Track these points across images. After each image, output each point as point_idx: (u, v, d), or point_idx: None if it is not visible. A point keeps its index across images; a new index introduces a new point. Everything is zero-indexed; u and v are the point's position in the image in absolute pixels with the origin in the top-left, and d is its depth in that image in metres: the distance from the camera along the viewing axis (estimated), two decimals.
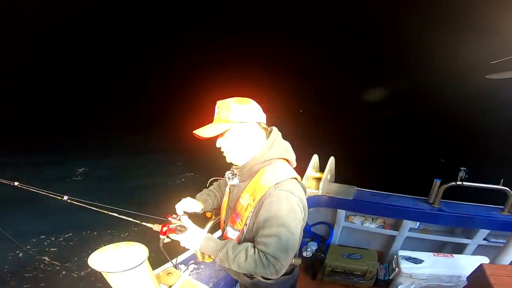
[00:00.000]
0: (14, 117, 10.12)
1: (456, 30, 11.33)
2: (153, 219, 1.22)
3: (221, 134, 1.20)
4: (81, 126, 10.14)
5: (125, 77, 13.54)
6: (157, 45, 15.52)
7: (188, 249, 1.24)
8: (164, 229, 1.16)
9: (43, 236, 4.43)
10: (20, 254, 4.15)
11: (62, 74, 13.35)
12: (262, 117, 1.25)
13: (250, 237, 1.22)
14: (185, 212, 1.31)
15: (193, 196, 1.47)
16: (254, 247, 1.16)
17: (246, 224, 1.22)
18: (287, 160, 1.29)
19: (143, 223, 1.21)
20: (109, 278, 1.19)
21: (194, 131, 1.17)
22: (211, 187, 1.57)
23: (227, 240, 1.23)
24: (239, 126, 1.19)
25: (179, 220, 1.19)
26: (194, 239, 1.18)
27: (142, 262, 1.21)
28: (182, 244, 1.19)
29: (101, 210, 1.24)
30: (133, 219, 1.24)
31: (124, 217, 1.26)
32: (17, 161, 7.13)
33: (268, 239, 1.12)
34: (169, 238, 1.18)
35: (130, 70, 13.87)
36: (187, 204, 1.37)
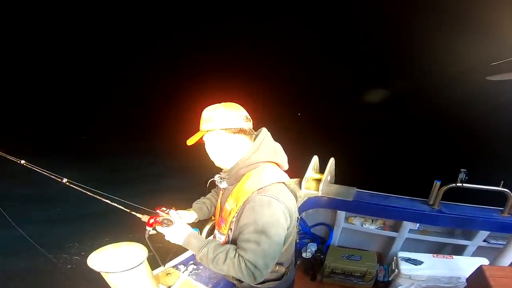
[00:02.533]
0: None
1: (456, 31, 11.32)
2: (144, 210, 1.24)
3: (203, 142, 1.26)
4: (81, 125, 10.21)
5: (125, 80, 13.61)
6: (155, 50, 15.60)
7: (181, 247, 1.26)
8: (151, 220, 1.19)
9: (44, 235, 4.45)
10: (20, 252, 4.16)
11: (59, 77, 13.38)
12: (232, 122, 1.20)
13: (236, 241, 1.21)
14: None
15: (189, 201, 1.51)
16: (236, 250, 1.14)
17: (231, 229, 1.22)
18: (276, 163, 1.25)
19: (132, 212, 1.23)
20: (108, 279, 1.19)
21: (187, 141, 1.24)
22: (208, 194, 1.57)
23: (210, 240, 1.22)
24: (207, 134, 1.22)
25: (167, 214, 1.21)
26: (178, 234, 1.19)
27: (141, 263, 1.21)
28: (166, 238, 1.20)
29: (96, 196, 1.26)
30: (124, 207, 1.26)
31: (115, 204, 1.27)
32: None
33: (247, 244, 1.10)
34: (155, 230, 1.20)
35: (131, 74, 13.94)
36: (185, 216, 1.41)
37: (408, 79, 12.18)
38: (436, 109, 9.85)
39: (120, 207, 1.24)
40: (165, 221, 1.18)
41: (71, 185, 1.27)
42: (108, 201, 1.25)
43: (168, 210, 1.23)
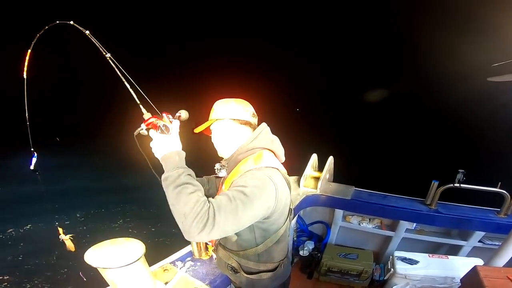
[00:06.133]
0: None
1: (457, 31, 11.28)
2: (153, 111, 1.13)
3: (210, 132, 1.36)
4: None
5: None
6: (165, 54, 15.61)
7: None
8: (151, 120, 1.08)
9: (40, 231, 4.47)
10: (20, 246, 4.18)
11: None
12: (240, 114, 1.30)
13: None
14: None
15: None
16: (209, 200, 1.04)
17: None
18: (273, 153, 1.31)
19: (140, 106, 1.13)
20: (105, 274, 1.20)
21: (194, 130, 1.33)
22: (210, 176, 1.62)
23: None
24: (216, 123, 1.31)
25: (171, 122, 1.11)
26: (165, 145, 1.08)
27: (138, 259, 1.21)
28: (151, 144, 1.11)
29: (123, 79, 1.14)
30: (137, 99, 1.14)
31: (131, 91, 1.15)
32: None
33: (221, 195, 1.05)
34: (147, 132, 1.10)
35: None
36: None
37: (407, 80, 12.16)
38: (436, 110, 9.85)
39: (134, 95, 1.13)
40: (163, 127, 1.07)
41: (112, 62, 1.16)
42: (128, 86, 1.14)
43: (173, 119, 1.13)
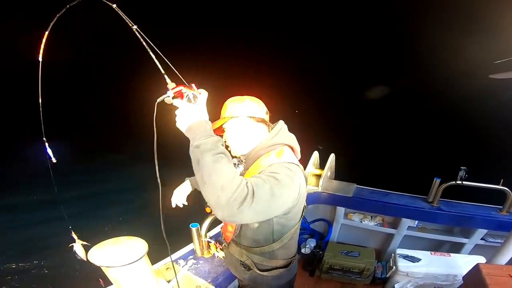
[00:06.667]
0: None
1: (459, 28, 11.21)
2: (180, 82, 1.05)
3: (223, 130, 1.33)
4: None
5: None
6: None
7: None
8: (178, 88, 1.02)
9: (42, 228, 4.49)
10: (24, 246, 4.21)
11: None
12: (256, 112, 1.30)
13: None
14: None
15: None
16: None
17: None
18: (292, 149, 1.32)
19: (165, 76, 1.05)
20: (108, 273, 1.21)
21: None
22: None
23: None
24: (231, 121, 1.29)
25: (199, 93, 1.05)
26: (193, 114, 1.02)
27: (141, 257, 1.22)
28: (177, 112, 1.04)
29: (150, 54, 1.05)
30: (162, 69, 1.05)
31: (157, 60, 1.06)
32: None
33: (255, 177, 1.04)
34: (172, 101, 1.03)
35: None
36: (182, 189, 1.56)
37: (409, 77, 12.11)
38: (438, 107, 9.82)
39: (159, 66, 1.05)
40: (191, 96, 1.02)
41: (139, 34, 1.09)
42: (154, 57, 1.04)
43: (201, 92, 1.07)
